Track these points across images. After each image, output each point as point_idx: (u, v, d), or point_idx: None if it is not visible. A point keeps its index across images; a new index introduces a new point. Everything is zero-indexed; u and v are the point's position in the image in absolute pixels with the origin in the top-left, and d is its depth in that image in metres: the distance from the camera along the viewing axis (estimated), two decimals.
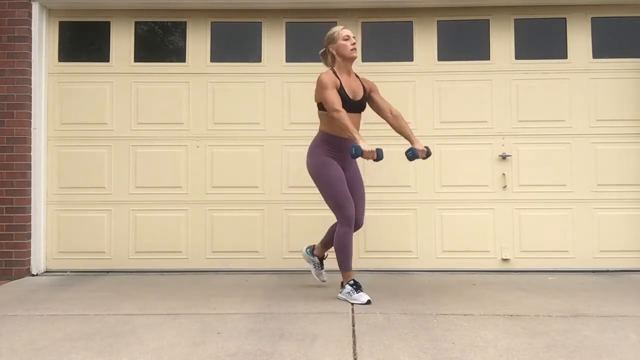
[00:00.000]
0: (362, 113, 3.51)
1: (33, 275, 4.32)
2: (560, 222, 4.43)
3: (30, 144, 4.32)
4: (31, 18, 4.32)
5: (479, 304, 3.26)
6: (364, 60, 4.49)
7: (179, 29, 4.58)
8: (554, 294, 3.54)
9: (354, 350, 2.42)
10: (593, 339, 2.58)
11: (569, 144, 4.46)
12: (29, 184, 4.29)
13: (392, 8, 4.50)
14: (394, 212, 4.44)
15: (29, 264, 4.31)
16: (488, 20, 4.53)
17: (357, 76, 3.54)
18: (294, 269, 4.29)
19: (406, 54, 4.54)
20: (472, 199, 4.45)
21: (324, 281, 3.78)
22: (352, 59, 3.44)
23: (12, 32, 4.27)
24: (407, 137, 3.51)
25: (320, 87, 3.34)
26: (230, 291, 3.66)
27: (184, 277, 4.21)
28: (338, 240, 3.37)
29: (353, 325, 2.79)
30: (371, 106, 3.58)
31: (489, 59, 4.51)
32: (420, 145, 3.43)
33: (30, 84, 4.32)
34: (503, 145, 4.46)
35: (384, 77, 4.41)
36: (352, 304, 3.22)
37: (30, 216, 4.30)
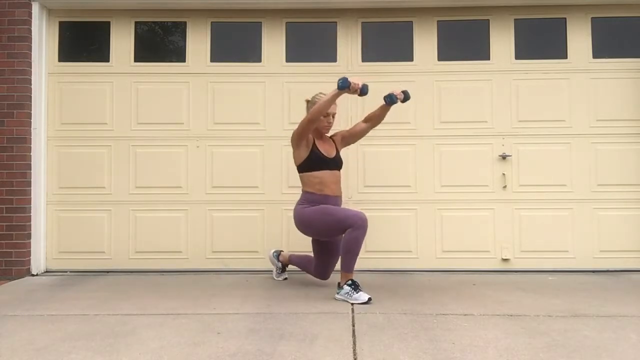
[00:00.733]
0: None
1: (33, 275, 4.32)
2: (560, 222, 4.43)
3: (30, 144, 4.32)
4: (31, 18, 4.33)
5: (479, 304, 3.26)
6: (364, 60, 4.50)
7: (179, 29, 4.58)
8: (554, 294, 3.54)
9: (354, 350, 2.41)
10: (593, 339, 2.58)
11: (569, 144, 4.46)
12: (29, 184, 4.30)
13: (392, 8, 4.50)
14: (394, 212, 4.44)
15: (29, 264, 4.32)
16: (488, 20, 4.53)
17: (327, 137, 3.72)
18: (294, 269, 4.28)
19: (406, 54, 4.54)
20: (472, 199, 4.45)
21: (285, 279, 4.02)
22: (324, 132, 3.64)
23: (12, 32, 4.27)
24: (380, 110, 3.65)
25: (298, 128, 3.48)
26: (230, 291, 3.65)
27: (184, 277, 4.21)
28: (351, 241, 3.28)
29: (353, 325, 2.79)
30: (355, 140, 3.76)
31: (489, 59, 4.51)
32: (396, 91, 3.57)
33: (30, 84, 4.32)
34: (503, 145, 4.46)
35: (384, 77, 4.43)
36: (352, 304, 3.22)
37: (30, 216, 4.30)
